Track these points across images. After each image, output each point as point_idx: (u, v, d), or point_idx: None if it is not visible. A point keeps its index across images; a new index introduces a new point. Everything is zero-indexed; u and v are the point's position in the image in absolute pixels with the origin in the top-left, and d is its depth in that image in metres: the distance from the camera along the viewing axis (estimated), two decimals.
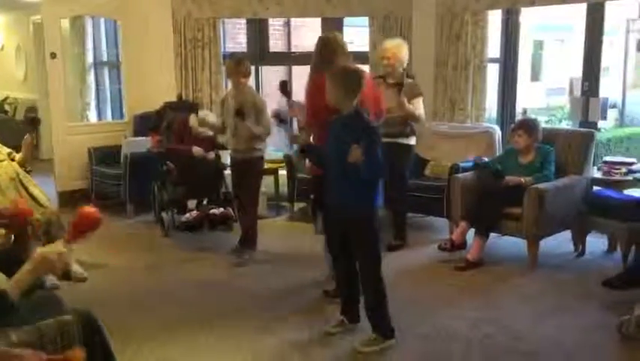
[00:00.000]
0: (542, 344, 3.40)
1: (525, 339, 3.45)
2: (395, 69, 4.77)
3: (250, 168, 4.64)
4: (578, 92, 15.06)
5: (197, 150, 5.25)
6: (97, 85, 8.05)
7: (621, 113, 10.11)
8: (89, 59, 7.87)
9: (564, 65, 14.47)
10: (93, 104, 7.98)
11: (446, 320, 3.71)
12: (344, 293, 3.57)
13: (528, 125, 4.67)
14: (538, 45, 14.30)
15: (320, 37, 4.01)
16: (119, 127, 6.66)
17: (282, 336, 3.50)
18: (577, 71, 15.02)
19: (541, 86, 14.20)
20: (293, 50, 10.62)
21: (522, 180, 4.53)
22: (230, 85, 4.85)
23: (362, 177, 3.11)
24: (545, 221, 4.43)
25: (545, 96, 14.02)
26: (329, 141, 3.31)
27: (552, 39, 14.64)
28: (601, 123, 5.84)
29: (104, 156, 6.28)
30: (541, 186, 4.42)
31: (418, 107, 4.80)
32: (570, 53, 14.85)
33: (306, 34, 10.28)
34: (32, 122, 4.53)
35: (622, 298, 3.81)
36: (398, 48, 4.77)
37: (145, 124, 6.33)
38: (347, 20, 6.73)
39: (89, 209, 2.39)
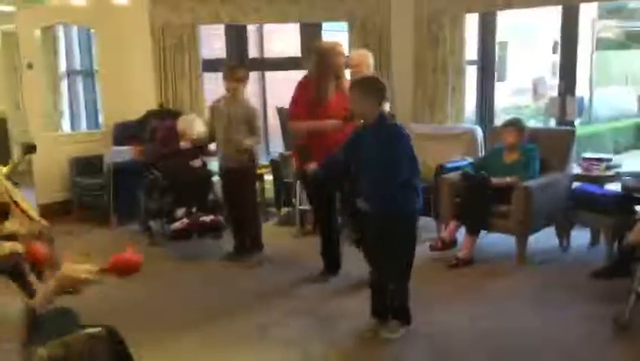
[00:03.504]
0: (540, 337, 3.50)
1: (523, 334, 3.54)
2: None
3: (246, 175, 4.66)
4: (542, 91, 15.43)
5: (185, 143, 5.24)
6: (70, 94, 7.90)
7: (589, 111, 10.45)
8: (62, 68, 7.73)
9: (527, 65, 14.85)
10: (67, 113, 7.84)
11: (444, 317, 3.78)
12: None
13: (519, 123, 4.82)
14: (504, 46, 14.63)
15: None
16: (97, 137, 6.58)
17: (282, 338, 3.54)
18: (539, 71, 15.37)
19: (507, 86, 14.53)
20: (265, 55, 10.67)
21: (508, 179, 4.65)
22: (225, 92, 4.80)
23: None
24: (533, 218, 4.56)
25: (511, 96, 14.34)
26: (360, 150, 3.39)
27: (516, 40, 15.00)
28: None
29: (85, 166, 6.19)
30: (528, 183, 4.55)
31: None
32: (533, 53, 15.27)
33: (279, 39, 10.32)
34: (28, 150, 4.47)
35: (610, 289, 3.95)
36: (364, 56, 4.81)
37: (125, 133, 6.27)
38: (326, 25, 6.78)
39: (133, 257, 2.42)
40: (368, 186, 3.39)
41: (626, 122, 10.85)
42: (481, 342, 3.46)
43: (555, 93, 14.31)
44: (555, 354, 3.33)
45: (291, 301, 4.09)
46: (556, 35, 16.47)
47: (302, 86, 4.21)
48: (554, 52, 16.85)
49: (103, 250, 5.26)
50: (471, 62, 6.23)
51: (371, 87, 3.32)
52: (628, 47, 15.63)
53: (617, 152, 8.22)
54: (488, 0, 5.73)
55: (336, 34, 7.50)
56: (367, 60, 4.62)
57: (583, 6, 5.56)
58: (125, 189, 5.78)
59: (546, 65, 15.94)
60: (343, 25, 6.46)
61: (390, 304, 3.52)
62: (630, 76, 14.94)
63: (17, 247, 2.66)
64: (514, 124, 4.84)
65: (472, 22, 6.20)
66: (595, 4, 10.65)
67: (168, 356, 3.38)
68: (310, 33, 6.66)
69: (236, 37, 6.75)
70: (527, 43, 14.84)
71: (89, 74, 7.74)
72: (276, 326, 3.70)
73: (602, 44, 14.39)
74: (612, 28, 14.49)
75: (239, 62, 5.18)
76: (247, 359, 3.36)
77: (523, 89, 14.89)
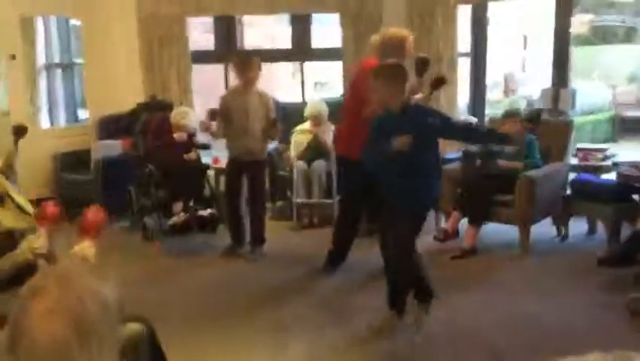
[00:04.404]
0: (555, 327, 3.49)
1: (537, 323, 3.55)
2: None
3: (262, 168, 4.62)
4: (513, 87, 15.54)
5: (179, 135, 5.15)
6: (48, 88, 7.64)
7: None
8: (40, 60, 7.47)
9: (496, 61, 15.03)
10: (45, 108, 7.58)
11: (457, 308, 3.76)
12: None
13: (519, 114, 4.86)
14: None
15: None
16: (81, 131, 6.40)
17: (299, 333, 3.48)
18: (509, 66, 15.48)
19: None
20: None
21: (515, 163, 4.68)
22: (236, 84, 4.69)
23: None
24: (536, 207, 4.59)
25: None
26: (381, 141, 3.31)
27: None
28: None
29: (72, 161, 6.00)
30: (532, 173, 4.58)
31: None
32: (502, 49, 15.45)
33: (257, 31, 10.22)
34: (18, 132, 4.35)
35: (617, 277, 4.01)
36: None
37: (112, 126, 6.11)
38: (315, 18, 6.73)
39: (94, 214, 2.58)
40: (395, 175, 3.30)
41: (603, 115, 11.11)
42: (493, 332, 3.46)
43: (524, 88, 14.37)
44: (569, 342, 3.34)
45: (303, 296, 4.03)
46: (525, 31, 16.64)
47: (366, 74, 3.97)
48: (525, 47, 17.17)
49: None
50: (463, 55, 6.26)
51: (396, 74, 3.26)
52: (592, 43, 15.97)
53: (595, 143, 8.37)
54: None
55: (325, 26, 7.48)
56: None
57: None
58: (114, 184, 5.60)
59: (515, 60, 16.14)
60: (333, 18, 6.41)
61: (402, 285, 3.46)
62: (596, 71, 15.24)
63: (36, 243, 2.53)
64: (515, 115, 4.87)
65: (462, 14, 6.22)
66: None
67: (185, 352, 3.27)
68: (300, 25, 6.60)
69: (225, 28, 6.63)
70: (496, 39, 15.02)
71: (68, 67, 7.51)
72: (291, 321, 3.64)
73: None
74: (580, 24, 14.77)
75: (231, 53, 5.07)
76: (266, 355, 3.29)
77: (492, 84, 15.07)
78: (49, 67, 7.60)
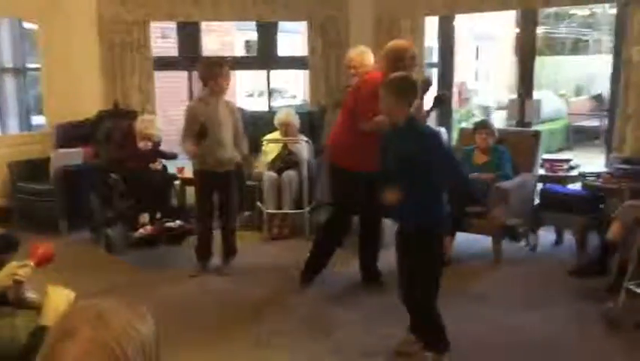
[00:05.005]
0: (536, 339, 3.51)
1: (515, 333, 3.56)
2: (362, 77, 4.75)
3: (233, 178, 4.45)
4: (465, 96, 15.79)
5: (144, 144, 5.01)
6: None
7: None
8: None
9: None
10: None
11: None
12: None
13: (490, 125, 4.89)
14: (429, 51, 15.01)
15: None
16: (37, 139, 6.13)
17: (280, 350, 3.40)
18: (461, 77, 15.77)
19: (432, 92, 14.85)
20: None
21: (484, 176, 4.70)
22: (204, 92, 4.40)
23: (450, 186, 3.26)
24: (509, 218, 4.63)
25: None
26: (387, 155, 3.20)
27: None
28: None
29: (27, 170, 5.72)
30: (505, 184, 4.63)
31: None
32: (459, 59, 15.75)
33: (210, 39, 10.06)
34: None
35: (588, 287, 4.07)
36: (362, 56, 4.72)
37: (70, 134, 5.87)
38: (282, 27, 6.66)
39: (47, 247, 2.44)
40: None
41: (557, 124, 11.44)
42: (473, 344, 3.43)
43: (477, 98, 14.61)
44: (549, 352, 3.37)
45: (281, 309, 3.93)
46: (478, 42, 16.92)
47: (372, 86, 3.77)
48: (477, 58, 17.53)
49: (58, 260, 4.88)
50: (431, 65, 6.31)
51: (402, 87, 3.10)
52: (541, 54, 16.50)
53: (550, 152, 8.59)
54: (448, 4, 5.79)
55: (291, 35, 7.41)
56: (369, 58, 4.45)
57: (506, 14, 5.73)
58: (74, 194, 5.39)
59: (469, 70, 16.46)
60: (298, 27, 6.37)
61: (415, 328, 3.29)
62: (545, 81, 15.71)
63: (20, 271, 2.35)
64: (486, 126, 4.92)
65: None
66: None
67: None
68: (266, 33, 6.51)
69: (188, 34, 6.48)
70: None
71: (20, 72, 7.20)
72: (271, 336, 3.54)
73: None
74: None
75: (197, 60, 4.92)
76: None
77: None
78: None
